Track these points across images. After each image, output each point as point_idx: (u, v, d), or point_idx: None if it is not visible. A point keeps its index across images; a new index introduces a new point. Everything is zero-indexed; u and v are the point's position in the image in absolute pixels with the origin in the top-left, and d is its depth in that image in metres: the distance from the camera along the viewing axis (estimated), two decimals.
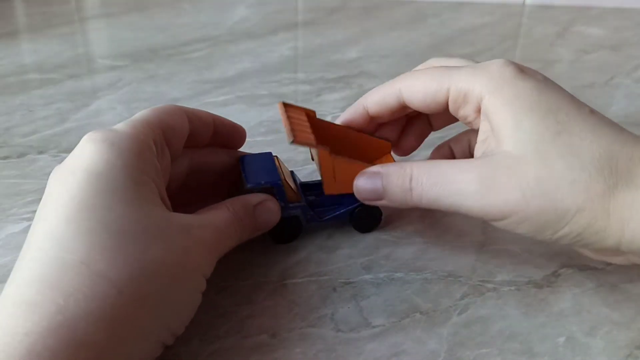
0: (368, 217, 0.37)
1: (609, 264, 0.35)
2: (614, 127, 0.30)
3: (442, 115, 0.38)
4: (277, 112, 0.52)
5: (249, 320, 0.31)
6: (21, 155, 0.45)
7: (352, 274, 0.34)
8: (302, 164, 0.45)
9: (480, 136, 0.32)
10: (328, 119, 0.52)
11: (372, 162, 0.38)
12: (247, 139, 0.48)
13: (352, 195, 0.36)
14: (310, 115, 0.37)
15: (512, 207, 0.29)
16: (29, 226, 0.35)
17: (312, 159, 0.39)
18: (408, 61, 0.65)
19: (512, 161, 0.29)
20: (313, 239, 0.37)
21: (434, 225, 0.38)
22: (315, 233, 0.37)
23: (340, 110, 0.53)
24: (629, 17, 0.82)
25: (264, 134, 0.49)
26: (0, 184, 0.41)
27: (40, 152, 0.45)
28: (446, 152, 0.39)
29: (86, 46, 0.68)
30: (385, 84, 0.35)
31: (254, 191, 0.34)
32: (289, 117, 0.34)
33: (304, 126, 0.35)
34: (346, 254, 0.36)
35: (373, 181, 0.33)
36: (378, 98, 0.35)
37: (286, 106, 0.36)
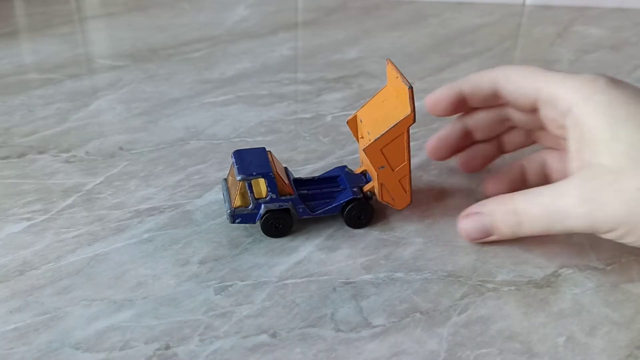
0: (360, 213, 0.37)
1: (609, 264, 0.35)
2: None
3: (516, 137, 0.40)
4: (277, 112, 0.52)
5: (249, 320, 0.31)
6: (21, 155, 0.45)
7: (352, 274, 0.34)
8: (302, 163, 0.45)
9: (572, 145, 0.32)
10: (328, 119, 0.52)
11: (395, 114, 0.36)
12: (247, 139, 0.48)
13: (345, 190, 0.37)
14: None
15: (618, 221, 0.29)
16: (29, 226, 0.35)
17: (348, 123, 0.39)
18: (408, 61, 0.65)
19: (613, 176, 0.29)
20: (313, 239, 0.37)
21: (434, 225, 0.38)
22: (315, 233, 0.37)
23: (341, 110, 0.53)
24: (629, 17, 0.82)
25: (264, 134, 0.49)
26: (0, 184, 0.41)
27: (40, 152, 0.45)
28: (517, 170, 0.40)
29: (86, 46, 0.68)
30: (477, 72, 0.37)
31: (245, 182, 0.35)
32: (401, 73, 0.35)
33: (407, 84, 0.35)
34: (346, 254, 0.36)
35: (479, 221, 0.34)
36: (475, 79, 0.37)
37: (391, 63, 0.37)
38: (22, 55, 0.64)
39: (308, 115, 0.52)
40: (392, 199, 0.37)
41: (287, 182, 0.37)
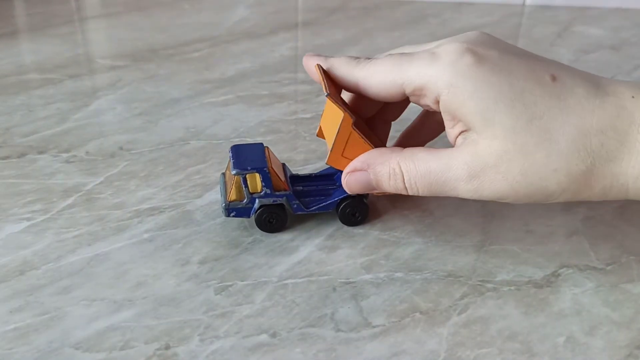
0: (355, 210, 0.37)
1: (609, 264, 0.35)
2: (576, 89, 0.30)
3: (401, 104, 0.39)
4: (277, 112, 0.52)
5: (249, 320, 0.31)
6: (21, 155, 0.45)
7: (352, 274, 0.34)
8: (302, 163, 0.45)
9: (448, 126, 0.33)
10: None
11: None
12: (247, 139, 0.48)
13: (341, 187, 0.37)
14: (339, 88, 0.37)
15: (502, 196, 0.31)
16: (29, 226, 0.35)
17: (318, 135, 0.39)
18: None
19: (496, 159, 0.30)
20: (313, 238, 0.37)
21: (434, 225, 0.38)
22: (315, 233, 0.37)
23: None
24: (629, 17, 0.82)
25: (264, 134, 0.49)
26: (0, 184, 0.41)
27: (40, 152, 0.45)
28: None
29: (86, 46, 0.68)
30: (347, 67, 0.35)
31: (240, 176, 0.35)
32: (324, 76, 0.35)
33: (335, 90, 0.35)
34: (346, 254, 0.36)
35: (364, 179, 0.34)
36: (340, 79, 0.35)
37: (322, 68, 0.36)
38: (22, 55, 0.64)
39: (308, 115, 0.52)
40: None
41: (282, 178, 0.37)
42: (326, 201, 0.37)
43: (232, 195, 0.36)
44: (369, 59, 0.35)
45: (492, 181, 0.30)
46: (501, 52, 0.31)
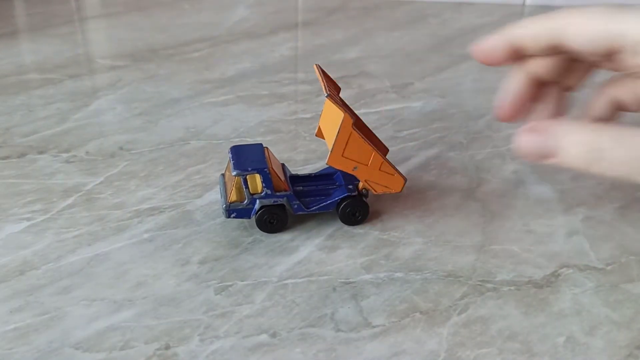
0: (355, 210, 0.37)
1: (609, 264, 0.35)
2: None
3: (580, 70, 0.35)
4: (277, 112, 0.52)
5: (249, 320, 0.31)
6: (21, 155, 0.45)
7: (352, 274, 0.34)
8: (302, 163, 0.45)
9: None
10: None
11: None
12: (247, 139, 0.48)
13: (341, 187, 0.37)
14: (337, 89, 0.37)
15: None
16: (29, 226, 0.35)
17: (317, 134, 0.39)
18: (408, 61, 0.65)
19: None
20: (313, 238, 0.37)
21: (434, 225, 0.38)
22: (315, 233, 0.37)
23: None
24: None
25: (264, 134, 0.49)
26: (0, 184, 0.41)
27: (40, 152, 0.45)
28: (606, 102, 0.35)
29: (86, 46, 0.68)
30: (542, 17, 0.31)
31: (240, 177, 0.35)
32: (324, 77, 0.35)
33: (334, 91, 0.36)
34: (346, 254, 0.36)
35: (544, 141, 0.29)
36: (532, 31, 0.31)
37: (321, 69, 0.36)
38: (22, 55, 0.64)
39: (308, 115, 0.52)
40: (385, 186, 0.37)
41: (282, 178, 0.37)
42: (326, 201, 0.37)
43: (233, 196, 0.36)
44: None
45: None
46: None
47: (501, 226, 0.38)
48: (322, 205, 0.37)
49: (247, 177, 0.35)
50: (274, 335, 0.30)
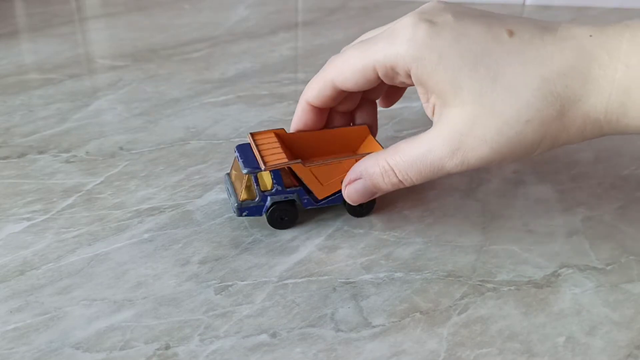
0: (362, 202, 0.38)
1: (609, 264, 0.35)
2: (534, 39, 0.30)
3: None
4: (277, 112, 0.52)
5: (249, 320, 0.31)
6: (21, 155, 0.45)
7: (352, 274, 0.34)
8: None
9: (423, 100, 0.33)
10: None
11: (356, 149, 0.40)
12: (247, 139, 0.48)
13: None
14: (280, 134, 0.38)
15: (487, 160, 0.31)
16: (29, 226, 0.35)
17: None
18: None
19: (470, 125, 0.31)
20: (313, 238, 0.37)
21: (434, 225, 0.38)
22: (316, 233, 0.37)
23: None
24: (628, 17, 0.82)
25: None
26: (0, 184, 0.41)
27: (40, 152, 0.45)
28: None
29: (86, 46, 0.68)
30: (317, 76, 0.36)
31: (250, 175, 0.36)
32: (258, 145, 0.37)
33: (274, 149, 0.36)
34: (346, 254, 0.36)
35: (362, 186, 0.35)
36: (316, 94, 0.36)
37: (254, 135, 0.38)
38: (22, 55, 0.64)
39: None
40: None
41: (291, 174, 0.37)
42: (334, 194, 0.37)
43: (244, 195, 0.36)
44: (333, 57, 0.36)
45: (473, 149, 0.31)
46: (455, 16, 0.32)
47: (501, 226, 0.38)
48: (330, 198, 0.37)
49: (257, 174, 0.36)
50: (274, 335, 0.30)
